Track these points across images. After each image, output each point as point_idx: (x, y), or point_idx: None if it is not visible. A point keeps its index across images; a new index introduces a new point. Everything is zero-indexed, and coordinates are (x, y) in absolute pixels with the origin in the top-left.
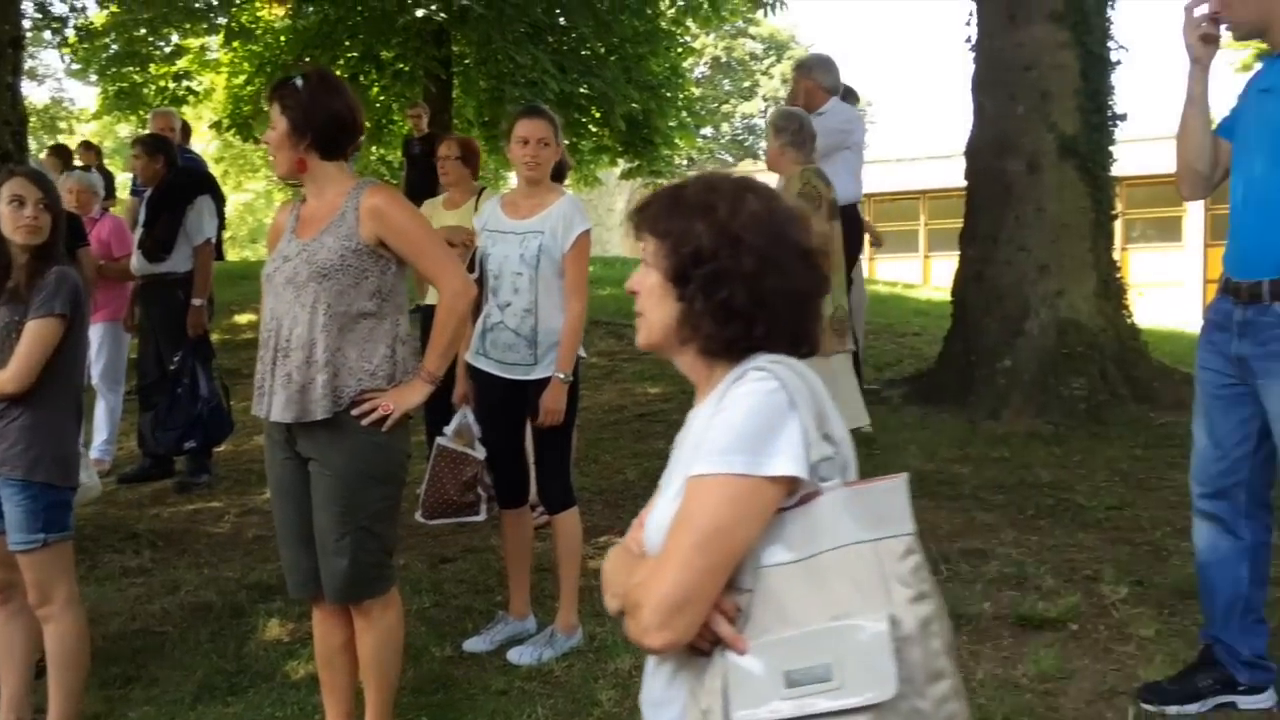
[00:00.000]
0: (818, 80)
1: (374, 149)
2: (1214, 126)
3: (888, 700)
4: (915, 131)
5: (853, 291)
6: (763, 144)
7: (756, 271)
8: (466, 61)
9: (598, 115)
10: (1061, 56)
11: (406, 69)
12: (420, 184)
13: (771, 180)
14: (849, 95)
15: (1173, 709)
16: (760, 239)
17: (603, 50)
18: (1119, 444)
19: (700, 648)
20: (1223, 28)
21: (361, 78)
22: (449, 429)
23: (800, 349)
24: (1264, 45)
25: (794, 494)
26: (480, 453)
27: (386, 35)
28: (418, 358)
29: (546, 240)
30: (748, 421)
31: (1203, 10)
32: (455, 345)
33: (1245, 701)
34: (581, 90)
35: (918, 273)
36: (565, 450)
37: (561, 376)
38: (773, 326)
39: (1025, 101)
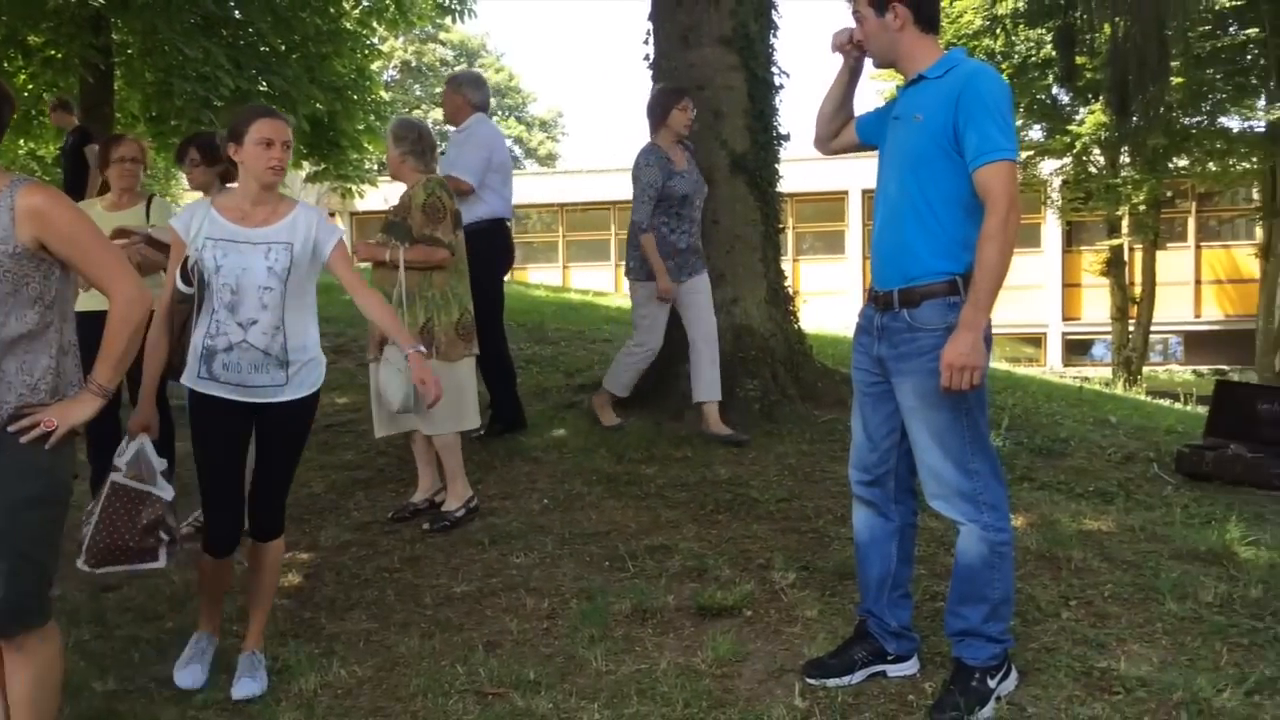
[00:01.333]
0: (467, 96)
1: (23, 142)
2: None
3: None
4: (610, 142)
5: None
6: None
7: None
8: (130, 51)
9: None
10: (731, 78)
11: (59, 56)
12: (72, 182)
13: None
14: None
15: (832, 681)
16: None
17: (283, 48)
18: (788, 440)
19: None
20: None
21: (6, 64)
22: (121, 461)
23: None
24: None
25: None
26: (166, 492)
27: (35, 19)
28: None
29: (298, 251)
30: None
31: (844, 37)
32: (129, 357)
33: (893, 670)
34: (260, 88)
35: (610, 280)
36: (293, 472)
37: (422, 350)
38: None
39: (700, 119)
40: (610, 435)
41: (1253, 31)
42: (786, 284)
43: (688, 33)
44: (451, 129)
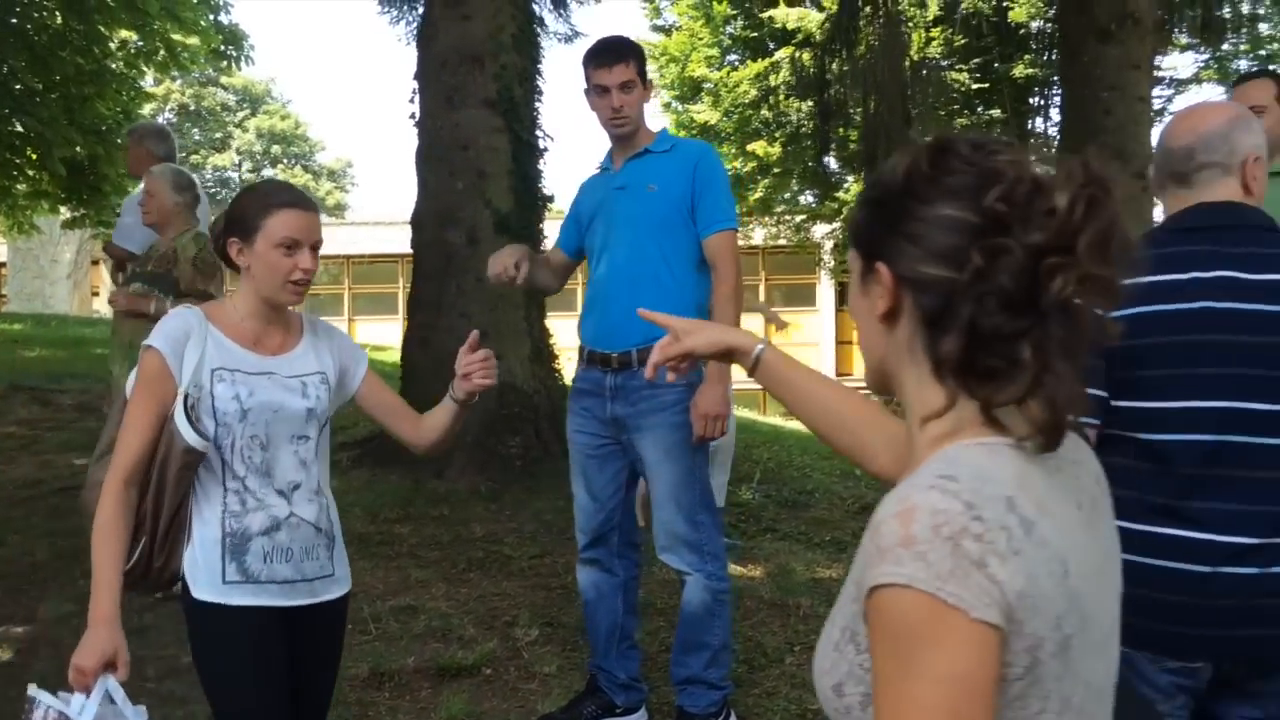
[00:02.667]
0: (150, 148)
1: None
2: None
3: None
4: (401, 194)
5: None
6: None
7: None
8: None
9: (34, 157)
10: (495, 139)
11: None
12: None
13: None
14: None
15: None
16: None
17: (40, 86)
18: (546, 496)
19: None
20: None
21: None
22: None
23: None
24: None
25: None
26: None
27: None
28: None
29: (333, 383)
30: None
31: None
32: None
33: None
34: (15, 129)
35: (397, 334)
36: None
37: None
38: None
39: (463, 178)
40: (367, 494)
41: (996, 112)
42: (552, 341)
43: (453, 94)
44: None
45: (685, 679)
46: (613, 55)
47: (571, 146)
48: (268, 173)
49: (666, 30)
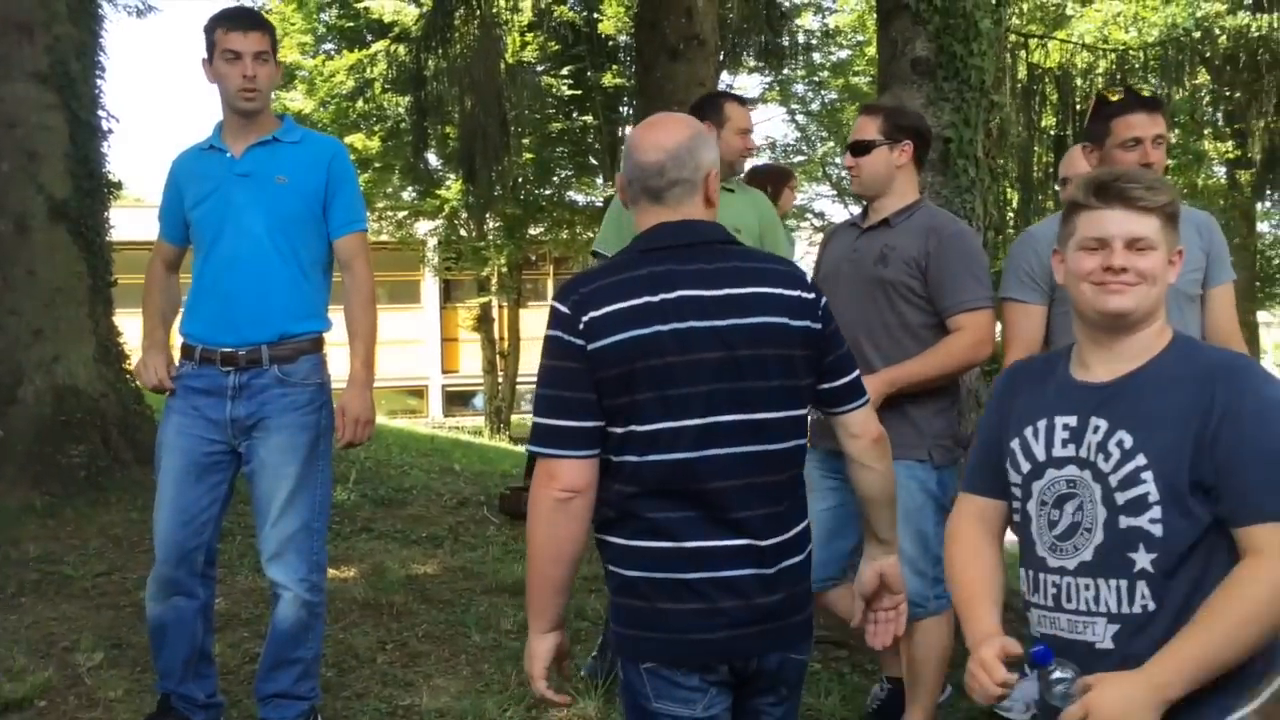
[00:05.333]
0: None
1: None
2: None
3: None
4: None
5: None
6: None
7: None
8: None
9: None
10: (49, 118)
11: None
12: None
13: None
14: None
15: None
16: None
17: None
18: (116, 509)
19: None
20: None
21: None
22: None
23: None
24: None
25: None
26: None
27: None
28: None
29: None
30: None
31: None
32: None
33: None
34: None
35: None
36: None
37: None
38: None
39: (11, 160)
40: None
41: (589, 119)
42: (121, 340)
43: None
44: None
45: (271, 694)
46: (249, 21)
47: (139, 130)
48: None
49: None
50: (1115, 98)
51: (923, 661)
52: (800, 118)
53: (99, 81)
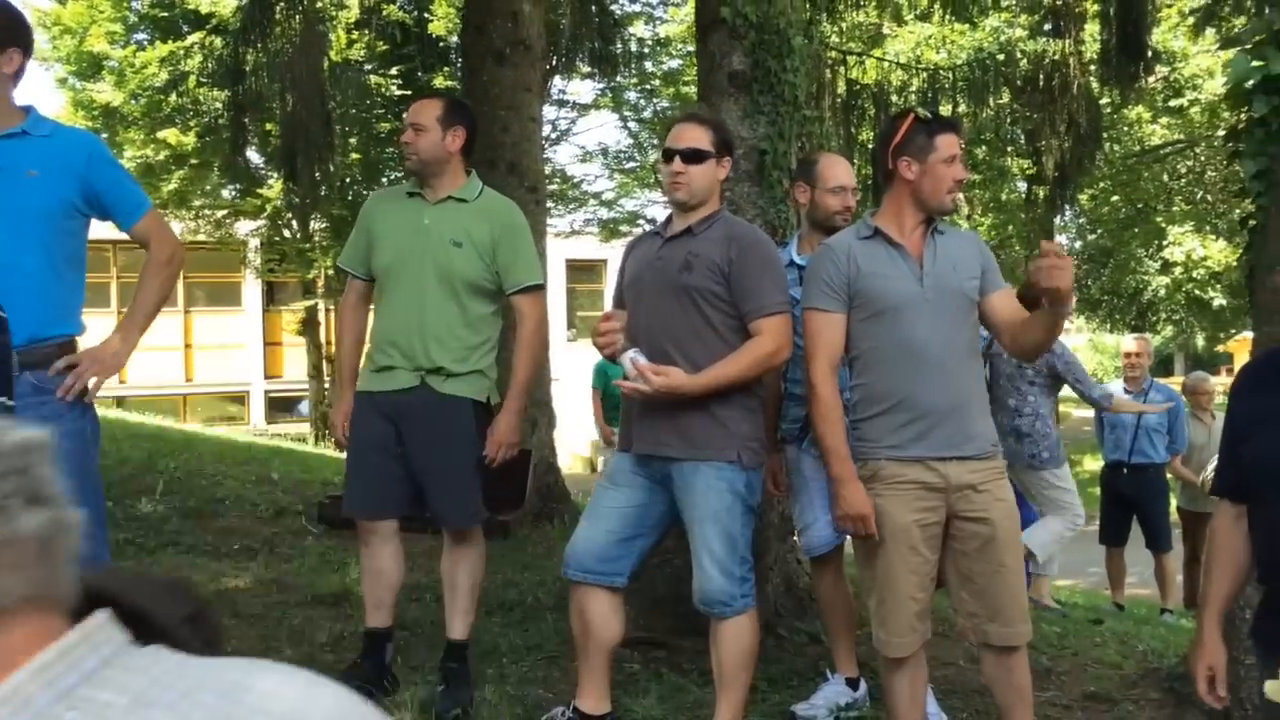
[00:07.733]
0: None
1: None
2: None
3: None
4: None
5: None
6: None
7: None
8: None
9: None
10: None
11: None
12: None
13: None
14: None
15: None
16: None
17: None
18: None
19: None
20: None
21: None
22: None
23: None
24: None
25: None
26: None
27: None
28: None
29: None
30: None
31: None
32: None
33: None
34: None
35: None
36: None
37: None
38: None
39: None
40: None
41: None
42: None
43: None
44: None
45: None
46: None
47: None
48: None
49: None
50: (924, 115)
51: (730, 661)
52: (633, 125)
53: None
